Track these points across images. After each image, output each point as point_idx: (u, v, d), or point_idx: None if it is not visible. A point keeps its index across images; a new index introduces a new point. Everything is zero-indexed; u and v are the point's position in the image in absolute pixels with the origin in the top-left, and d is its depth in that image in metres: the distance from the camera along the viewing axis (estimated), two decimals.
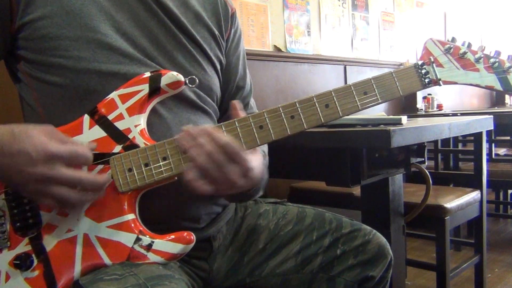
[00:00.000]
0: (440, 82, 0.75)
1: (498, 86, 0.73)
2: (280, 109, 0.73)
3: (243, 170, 0.70)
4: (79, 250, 0.70)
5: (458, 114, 2.55)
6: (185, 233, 0.70)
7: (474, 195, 1.86)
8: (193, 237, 0.70)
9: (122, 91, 0.73)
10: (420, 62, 0.75)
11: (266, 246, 0.94)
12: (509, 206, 3.40)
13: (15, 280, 0.70)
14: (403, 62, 3.55)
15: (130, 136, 0.72)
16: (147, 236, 0.70)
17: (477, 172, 1.91)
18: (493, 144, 2.67)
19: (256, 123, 0.72)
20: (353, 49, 3.17)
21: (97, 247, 0.70)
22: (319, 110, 0.73)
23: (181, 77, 0.74)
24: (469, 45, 0.75)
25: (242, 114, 0.74)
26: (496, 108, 4.22)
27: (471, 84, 0.74)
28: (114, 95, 0.73)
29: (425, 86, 0.75)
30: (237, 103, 0.76)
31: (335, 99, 0.73)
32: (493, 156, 2.67)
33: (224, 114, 0.96)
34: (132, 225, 0.70)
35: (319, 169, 1.34)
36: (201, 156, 0.68)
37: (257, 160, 0.75)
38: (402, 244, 1.45)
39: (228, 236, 0.94)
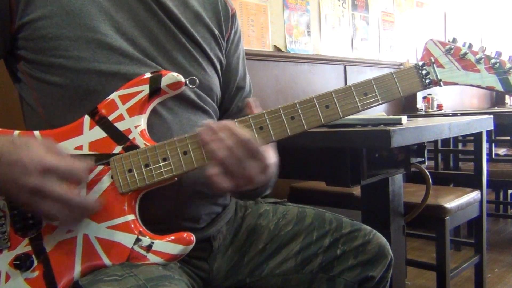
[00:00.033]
0: (441, 82, 0.75)
1: (499, 87, 0.73)
2: (280, 110, 0.73)
3: (262, 166, 0.71)
4: (79, 250, 0.70)
5: (458, 114, 2.55)
6: (185, 234, 0.70)
7: (474, 195, 1.86)
8: (193, 238, 0.70)
9: (122, 91, 0.73)
10: (420, 63, 0.75)
11: (266, 246, 0.94)
12: (509, 206, 3.40)
13: (15, 280, 0.69)
14: (403, 62, 3.55)
15: (131, 137, 0.72)
16: (147, 237, 0.70)
17: (477, 172, 1.91)
18: (493, 144, 2.67)
19: (256, 124, 0.72)
20: (353, 49, 3.17)
21: (97, 248, 0.70)
22: (319, 111, 0.73)
23: (181, 78, 0.74)
24: (470, 46, 0.75)
25: (256, 111, 0.74)
26: (496, 108, 4.22)
27: (471, 85, 0.74)
28: (114, 95, 0.73)
29: (425, 86, 0.75)
30: (252, 101, 0.76)
31: (336, 100, 0.73)
32: (493, 156, 2.68)
33: (224, 114, 0.96)
34: (132, 225, 0.70)
35: (319, 169, 1.34)
36: (222, 150, 0.68)
37: (274, 158, 0.75)
38: (402, 244, 1.45)
39: (228, 236, 0.94)
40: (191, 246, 0.70)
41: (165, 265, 0.70)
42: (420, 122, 1.44)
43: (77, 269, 0.69)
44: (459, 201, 1.74)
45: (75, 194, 0.66)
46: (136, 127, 0.72)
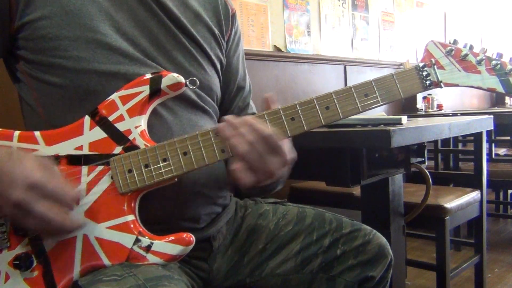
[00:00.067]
0: (442, 84, 0.75)
1: (500, 88, 0.73)
2: (281, 111, 0.73)
3: (283, 161, 0.72)
4: (78, 250, 0.70)
5: (458, 114, 2.55)
6: (185, 235, 0.70)
7: (474, 195, 1.86)
8: (192, 238, 0.70)
9: (122, 92, 0.73)
10: (421, 64, 0.75)
11: (266, 246, 0.94)
12: (509, 206, 3.40)
13: (14, 280, 0.69)
14: (403, 62, 3.55)
15: (131, 137, 0.72)
16: (147, 237, 0.70)
17: (477, 172, 1.91)
18: (493, 144, 2.67)
19: None
20: (353, 49, 3.16)
21: (97, 248, 0.70)
22: (319, 112, 0.73)
23: (181, 79, 0.74)
24: (471, 47, 0.75)
25: (274, 107, 0.75)
26: (496, 108, 4.23)
27: (472, 86, 0.74)
28: (115, 96, 0.73)
29: (426, 88, 0.75)
30: (270, 96, 0.76)
31: (336, 101, 0.73)
32: (493, 156, 2.68)
33: (224, 114, 0.96)
34: (132, 226, 0.70)
35: (319, 169, 1.34)
36: (243, 145, 0.69)
37: (292, 153, 0.76)
38: (402, 244, 1.45)
39: (228, 236, 0.94)
40: (191, 246, 0.70)
41: (164, 265, 0.70)
42: (420, 122, 1.44)
43: (77, 269, 0.69)
44: (459, 201, 1.74)
45: (56, 214, 0.64)
46: (136, 127, 0.72)
